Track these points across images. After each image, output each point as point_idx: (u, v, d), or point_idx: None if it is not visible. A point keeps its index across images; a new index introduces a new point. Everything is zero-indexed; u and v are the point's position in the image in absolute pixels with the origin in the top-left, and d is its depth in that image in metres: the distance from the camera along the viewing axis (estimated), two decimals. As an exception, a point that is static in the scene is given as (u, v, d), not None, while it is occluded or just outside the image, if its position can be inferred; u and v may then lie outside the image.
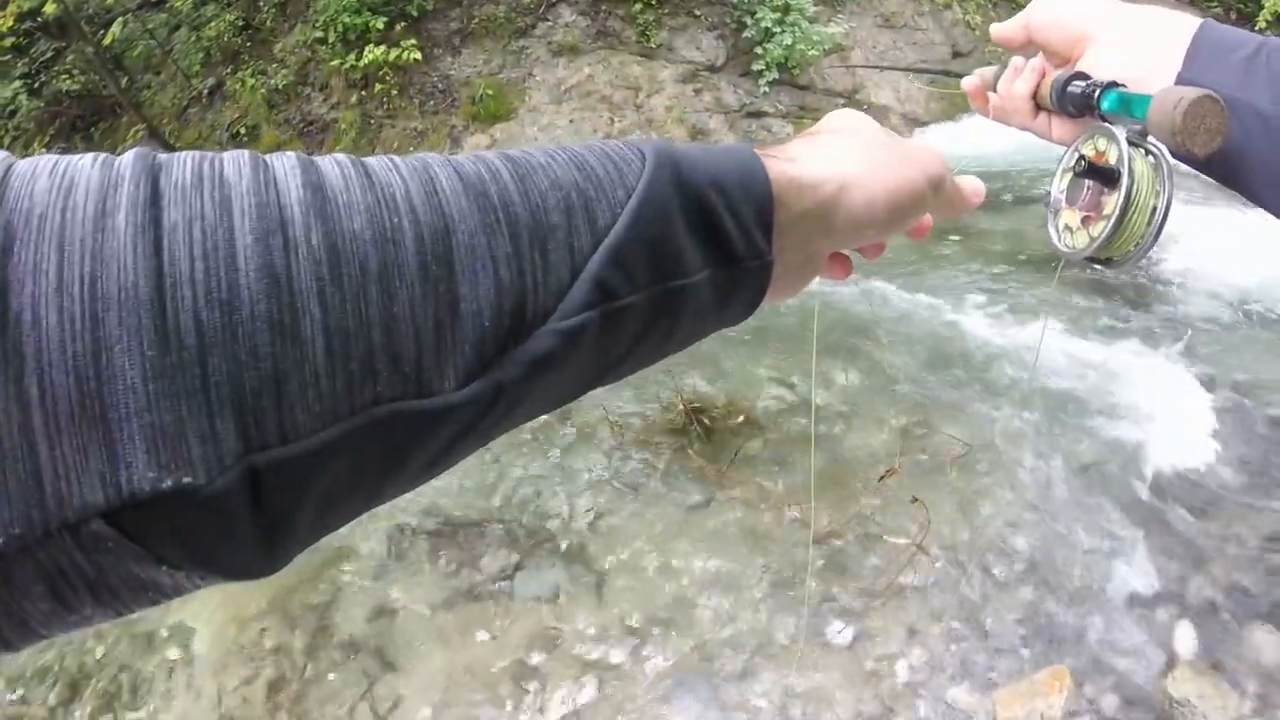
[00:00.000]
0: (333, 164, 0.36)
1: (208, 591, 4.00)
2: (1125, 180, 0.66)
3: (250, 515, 0.31)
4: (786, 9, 8.90)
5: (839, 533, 3.32)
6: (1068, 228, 0.74)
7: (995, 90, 0.85)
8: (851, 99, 9.29)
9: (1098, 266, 0.73)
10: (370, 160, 0.38)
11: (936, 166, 0.57)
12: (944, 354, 4.46)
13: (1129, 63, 0.71)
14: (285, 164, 0.35)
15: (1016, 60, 0.82)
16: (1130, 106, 0.67)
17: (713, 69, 9.29)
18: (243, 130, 9.26)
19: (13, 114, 9.96)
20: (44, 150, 9.81)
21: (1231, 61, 0.66)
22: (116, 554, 0.29)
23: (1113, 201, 0.67)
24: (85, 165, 0.32)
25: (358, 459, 0.34)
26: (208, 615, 3.35)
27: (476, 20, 9.33)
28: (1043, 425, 3.76)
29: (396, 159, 0.38)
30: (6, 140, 10.04)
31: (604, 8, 9.40)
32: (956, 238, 5.87)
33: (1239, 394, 3.83)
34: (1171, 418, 3.69)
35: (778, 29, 8.88)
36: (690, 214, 0.43)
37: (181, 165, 0.33)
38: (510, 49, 9.24)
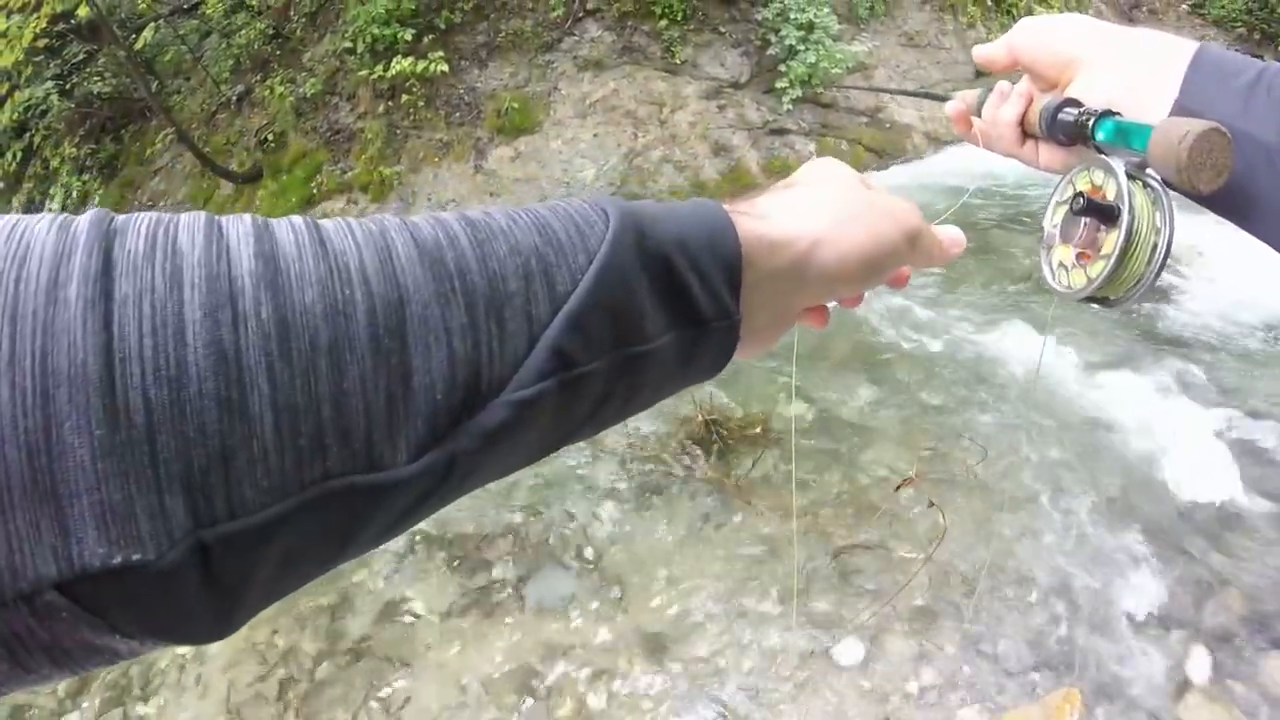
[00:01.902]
0: (288, 230, 0.36)
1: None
2: (1126, 218, 0.62)
3: (201, 588, 0.31)
4: (811, 27, 8.92)
5: (854, 547, 3.31)
6: (1062, 265, 0.70)
7: (979, 115, 0.81)
8: (874, 118, 9.29)
9: (1095, 305, 0.69)
10: (326, 225, 0.37)
11: (912, 220, 0.56)
12: (963, 372, 4.45)
13: (1122, 87, 0.68)
14: (240, 231, 0.35)
15: (1002, 85, 0.79)
16: (1128, 138, 0.64)
17: (737, 86, 9.31)
18: (270, 137, 9.35)
19: (44, 114, 10.07)
20: (74, 150, 9.95)
21: (1231, 88, 0.62)
22: (70, 623, 0.29)
23: (1112, 240, 0.63)
24: (41, 230, 0.32)
25: (308, 532, 0.34)
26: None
27: (503, 34, 9.39)
28: (1060, 446, 3.74)
29: (353, 223, 0.38)
30: (37, 139, 10.15)
31: (630, 23, 9.45)
32: (977, 256, 5.86)
33: (1258, 418, 3.80)
34: (1189, 442, 3.66)
35: (802, 47, 8.90)
36: (654, 277, 0.42)
37: (136, 232, 0.33)
38: (536, 63, 9.29)
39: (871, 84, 9.27)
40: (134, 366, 0.29)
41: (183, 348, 0.30)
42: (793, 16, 8.93)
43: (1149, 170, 0.63)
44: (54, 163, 10.13)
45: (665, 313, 0.43)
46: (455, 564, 3.54)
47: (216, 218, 0.36)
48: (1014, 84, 0.78)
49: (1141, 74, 0.67)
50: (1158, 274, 0.63)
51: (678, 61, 9.29)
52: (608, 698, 2.89)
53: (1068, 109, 0.69)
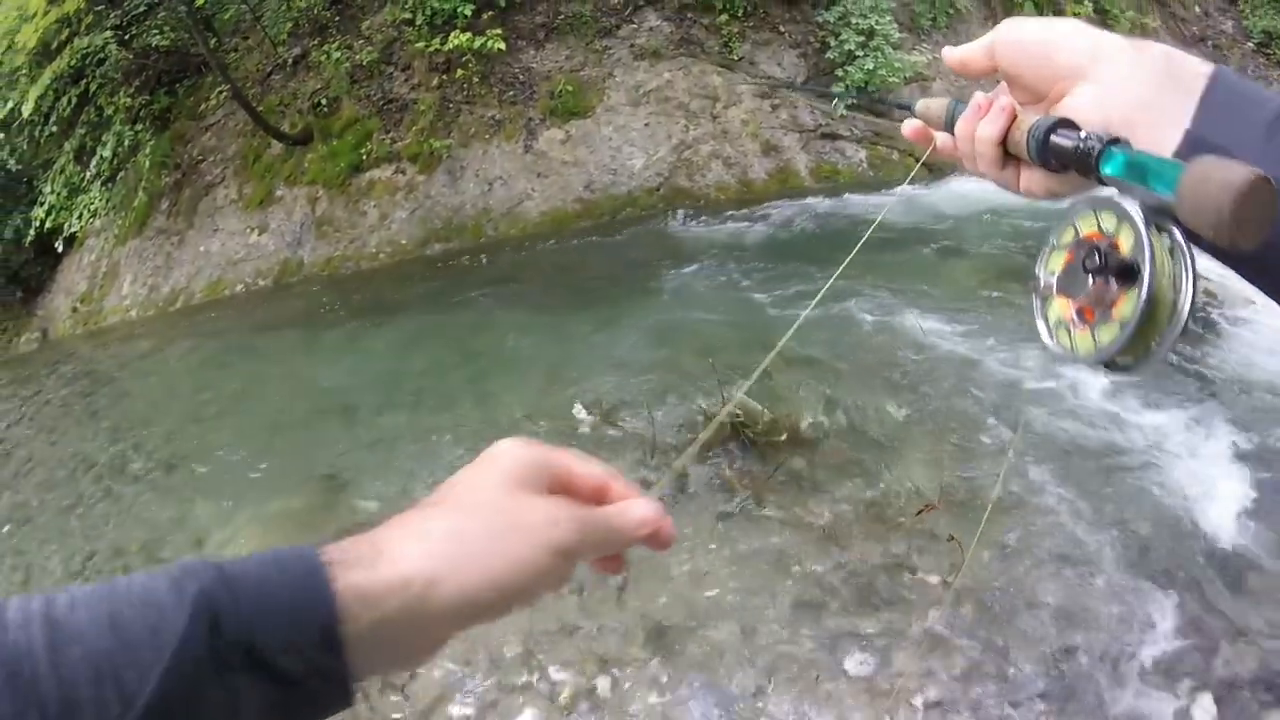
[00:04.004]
0: None
1: (229, 539, 4.06)
2: (1147, 278, 0.52)
3: None
4: (871, 34, 8.88)
5: (872, 562, 3.31)
6: (1061, 324, 0.60)
7: (950, 128, 0.72)
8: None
9: (1102, 369, 0.59)
10: None
11: (561, 534, 0.53)
12: (991, 393, 4.42)
13: (1123, 105, 0.59)
14: None
15: (979, 97, 0.68)
16: (1148, 175, 0.53)
17: (791, 86, 9.27)
18: (324, 101, 9.42)
19: (101, 62, 10.21)
20: (129, 100, 10.07)
21: (1252, 121, 0.54)
22: None
23: (1128, 302, 0.54)
24: None
25: None
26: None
27: (563, 16, 9.41)
28: (1084, 481, 3.70)
29: None
30: (93, 87, 10.29)
31: (690, 15, 9.44)
32: (1021, 278, 5.81)
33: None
34: (1218, 485, 3.62)
35: (860, 53, 8.86)
36: (232, 660, 0.44)
37: None
38: (593, 48, 9.31)
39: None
40: None
41: None
42: (854, 21, 8.90)
43: (1163, 212, 0.53)
44: (108, 111, 10.27)
45: (254, 685, 0.44)
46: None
47: None
48: (987, 94, 0.69)
49: (1150, 95, 0.58)
50: (1175, 339, 0.53)
51: (735, 57, 9.27)
52: (612, 684, 2.91)
53: (1063, 131, 0.60)
